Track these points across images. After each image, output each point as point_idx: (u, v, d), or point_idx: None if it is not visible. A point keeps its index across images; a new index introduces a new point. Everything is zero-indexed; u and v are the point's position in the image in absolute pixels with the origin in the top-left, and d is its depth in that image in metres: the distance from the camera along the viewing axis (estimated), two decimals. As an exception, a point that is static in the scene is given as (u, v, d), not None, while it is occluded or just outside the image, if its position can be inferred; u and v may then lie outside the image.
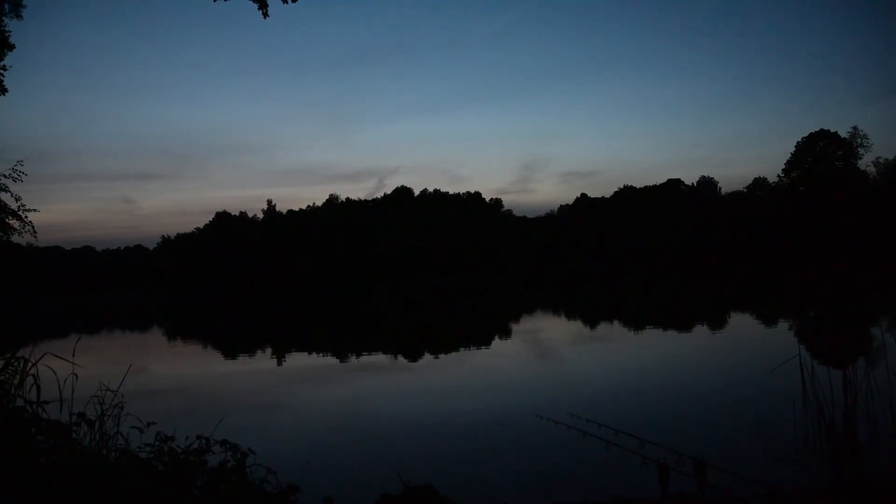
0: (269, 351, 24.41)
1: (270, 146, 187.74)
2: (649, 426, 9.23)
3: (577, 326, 28.55)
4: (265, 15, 6.98)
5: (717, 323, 25.77)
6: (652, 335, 22.21)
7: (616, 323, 27.19)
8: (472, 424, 10.66)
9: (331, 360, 20.76)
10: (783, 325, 24.27)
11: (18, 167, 9.51)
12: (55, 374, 5.38)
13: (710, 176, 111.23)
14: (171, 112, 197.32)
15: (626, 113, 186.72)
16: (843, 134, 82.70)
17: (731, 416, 10.14)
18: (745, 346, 18.52)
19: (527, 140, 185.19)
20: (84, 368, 5.62)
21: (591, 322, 28.54)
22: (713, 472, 7.10)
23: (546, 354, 19.79)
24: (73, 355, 5.55)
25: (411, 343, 25.10)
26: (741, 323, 25.91)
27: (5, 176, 9.42)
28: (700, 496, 6.73)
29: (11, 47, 10.56)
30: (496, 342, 23.93)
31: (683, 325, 24.57)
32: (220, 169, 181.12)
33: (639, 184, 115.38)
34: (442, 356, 20.21)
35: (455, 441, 9.78)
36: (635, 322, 26.81)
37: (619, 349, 19.82)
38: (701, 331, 23.58)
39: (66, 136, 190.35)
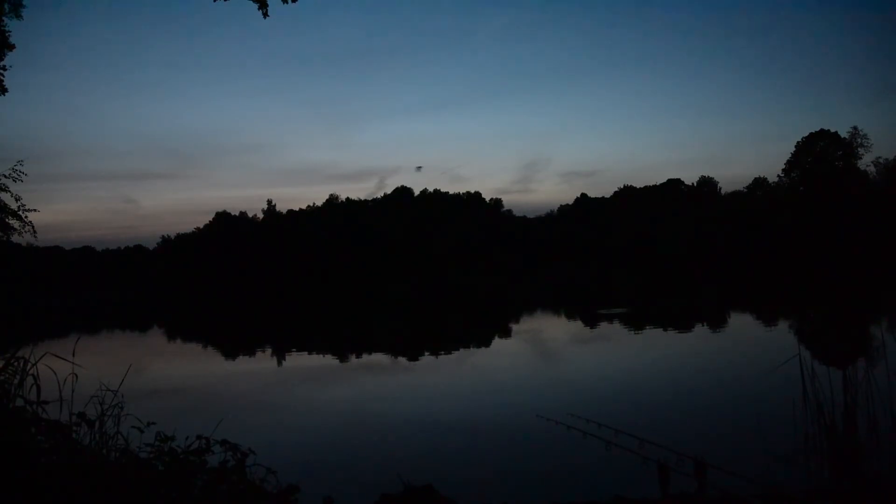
0: (269, 351, 24.42)
1: (271, 146, 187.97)
2: (649, 426, 9.23)
3: (577, 326, 28.55)
4: (265, 15, 6.99)
5: (717, 323, 25.77)
6: (652, 335, 22.21)
7: (616, 323, 27.17)
8: (472, 424, 10.66)
9: (331, 360, 20.76)
10: (783, 325, 24.28)
11: (18, 167, 9.50)
12: (55, 374, 5.38)
13: (710, 176, 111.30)
14: (171, 112, 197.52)
15: (626, 113, 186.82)
16: (843, 134, 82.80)
17: (731, 416, 10.15)
18: (746, 346, 18.52)
19: (527, 140, 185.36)
20: (84, 368, 5.62)
21: (592, 322, 28.54)
22: (713, 472, 7.11)
23: (546, 354, 19.80)
24: (74, 355, 5.55)
25: (411, 343, 25.10)
26: (741, 323, 25.91)
27: (5, 176, 9.40)
28: (700, 496, 6.73)
29: (11, 47, 10.54)
30: (496, 342, 23.93)
31: (683, 325, 24.57)
32: (221, 169, 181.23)
33: (639, 184, 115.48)
34: (442, 356, 20.21)
35: (455, 441, 9.78)
36: (635, 322, 26.80)
37: (619, 349, 19.81)
38: (701, 331, 23.58)
39: (66, 136, 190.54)
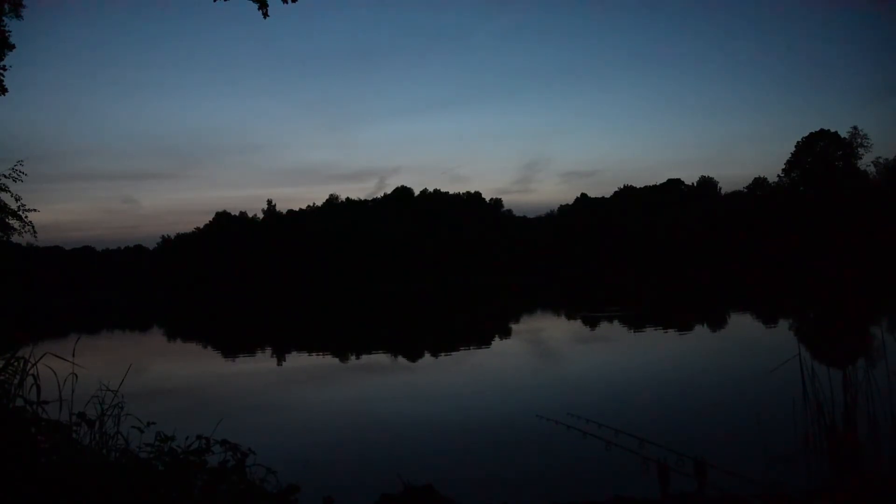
0: (269, 351, 24.42)
1: (271, 146, 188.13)
2: (649, 426, 9.23)
3: (576, 327, 28.54)
4: (265, 15, 6.98)
5: (717, 323, 25.78)
6: (652, 335, 22.22)
7: (616, 323, 27.17)
8: (472, 424, 10.66)
9: (331, 360, 20.76)
10: (783, 325, 24.28)
11: (18, 167, 9.48)
12: (55, 374, 5.38)
13: (710, 176, 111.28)
14: (171, 112, 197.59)
15: (627, 113, 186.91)
16: (843, 134, 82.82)
17: (731, 416, 10.15)
18: (745, 346, 18.52)
19: (527, 140, 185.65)
20: (84, 368, 5.62)
21: (591, 322, 28.54)
22: (713, 472, 7.11)
23: (546, 354, 19.79)
24: (73, 355, 5.55)
25: (411, 343, 25.11)
26: (741, 323, 25.91)
27: (5, 176, 9.38)
28: (700, 496, 6.73)
29: (11, 47, 10.53)
30: (496, 342, 23.93)
31: (683, 325, 24.57)
32: (221, 169, 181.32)
33: (639, 184, 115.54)
34: (442, 356, 20.21)
35: (455, 441, 9.78)
36: (635, 322, 26.81)
37: (618, 349, 19.81)
38: (701, 331, 23.58)
39: (66, 136, 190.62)
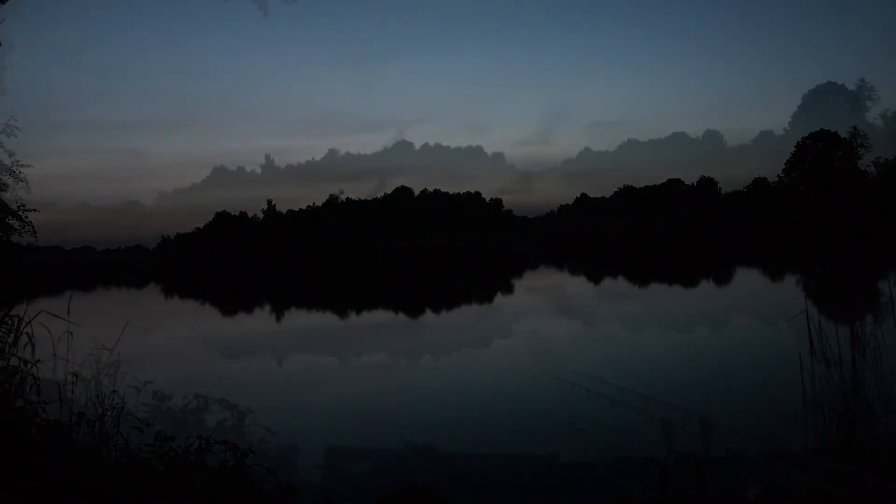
0: (269, 351, 24.39)
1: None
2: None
3: (577, 326, 28.49)
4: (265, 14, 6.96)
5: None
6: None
7: (616, 323, 27.13)
8: (472, 424, 10.65)
9: (330, 361, 20.76)
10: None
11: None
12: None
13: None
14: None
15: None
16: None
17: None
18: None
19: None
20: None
21: (592, 322, 28.48)
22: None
23: (546, 354, 19.76)
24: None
25: (411, 343, 25.08)
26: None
27: None
28: (700, 496, 6.73)
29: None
30: (496, 342, 23.91)
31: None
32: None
33: (639, 183, 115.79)
34: (442, 356, 20.20)
35: (456, 441, 9.77)
36: (634, 322, 26.76)
37: (618, 350, 19.77)
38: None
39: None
